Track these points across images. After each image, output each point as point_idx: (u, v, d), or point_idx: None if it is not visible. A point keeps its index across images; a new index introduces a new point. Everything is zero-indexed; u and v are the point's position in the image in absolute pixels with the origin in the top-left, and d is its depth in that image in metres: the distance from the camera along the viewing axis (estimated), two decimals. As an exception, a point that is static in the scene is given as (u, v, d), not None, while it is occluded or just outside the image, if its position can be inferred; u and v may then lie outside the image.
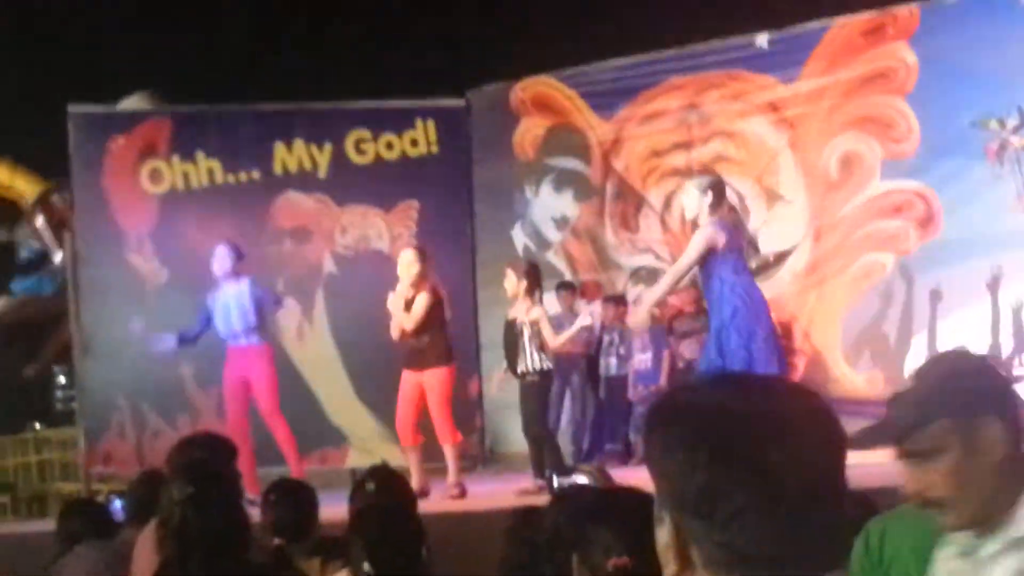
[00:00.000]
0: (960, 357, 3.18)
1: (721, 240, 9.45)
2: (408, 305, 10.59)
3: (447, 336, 10.81)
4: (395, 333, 10.69)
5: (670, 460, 1.73)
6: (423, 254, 10.88)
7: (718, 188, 9.70)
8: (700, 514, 1.69)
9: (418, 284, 10.65)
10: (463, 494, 10.55)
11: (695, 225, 9.76)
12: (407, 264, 10.76)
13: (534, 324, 10.39)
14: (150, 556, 4.80)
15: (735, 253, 9.62)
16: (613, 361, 13.05)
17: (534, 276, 10.61)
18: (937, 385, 2.91)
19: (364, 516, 4.61)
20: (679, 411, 1.77)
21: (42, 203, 15.08)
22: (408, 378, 10.73)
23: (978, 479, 2.79)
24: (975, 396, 2.83)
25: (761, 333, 9.51)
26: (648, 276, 13.32)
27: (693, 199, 9.66)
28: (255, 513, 5.53)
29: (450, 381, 10.79)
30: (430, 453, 10.80)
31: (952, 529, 2.88)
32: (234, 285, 11.18)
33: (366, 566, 3.96)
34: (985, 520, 2.81)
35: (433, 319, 10.66)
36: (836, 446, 1.74)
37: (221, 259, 11.26)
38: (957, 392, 2.84)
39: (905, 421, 2.89)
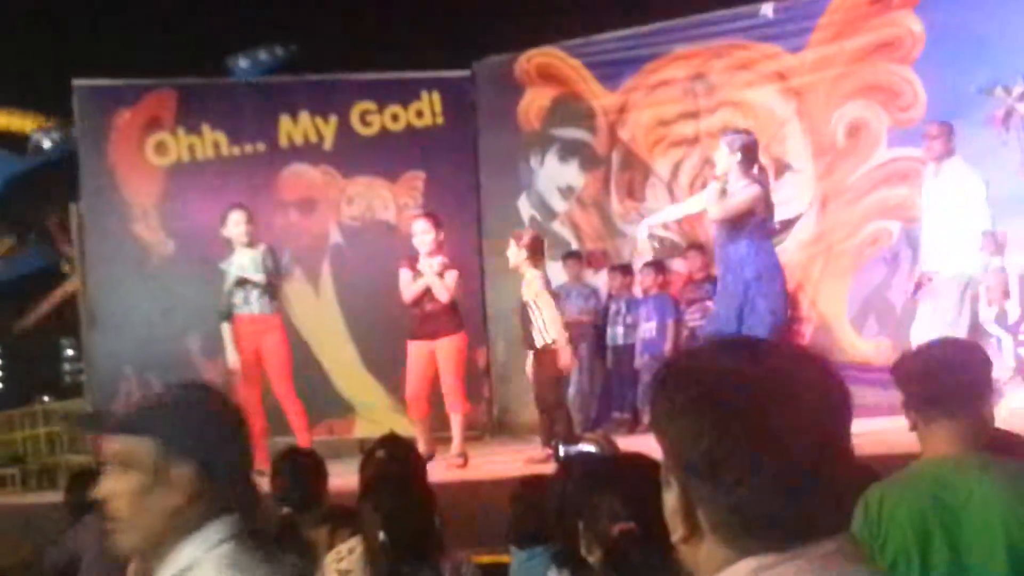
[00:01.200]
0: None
1: (761, 206, 9.47)
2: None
3: (456, 305, 10.81)
4: (411, 296, 10.67)
5: (677, 424, 1.72)
6: (437, 221, 10.87)
7: (750, 148, 9.64)
8: (707, 478, 1.69)
9: (434, 252, 10.66)
10: (465, 464, 10.57)
11: (722, 183, 9.65)
12: (422, 232, 10.76)
13: (536, 303, 10.38)
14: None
15: (769, 217, 9.64)
16: (620, 330, 13.05)
17: (535, 246, 10.56)
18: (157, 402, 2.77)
19: (376, 485, 4.62)
20: (685, 376, 1.76)
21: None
22: (418, 348, 10.70)
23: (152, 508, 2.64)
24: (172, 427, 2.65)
25: (784, 299, 9.54)
26: (655, 244, 13.34)
27: (723, 155, 9.60)
28: (263, 483, 5.54)
29: (463, 349, 10.81)
30: (434, 421, 10.81)
31: (120, 547, 2.76)
32: (248, 252, 11.15)
33: (381, 535, 3.97)
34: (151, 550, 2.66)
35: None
36: (842, 410, 1.74)
37: (236, 224, 11.21)
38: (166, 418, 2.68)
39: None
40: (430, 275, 10.61)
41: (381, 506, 4.13)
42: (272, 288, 11.18)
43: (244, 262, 11.12)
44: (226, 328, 11.18)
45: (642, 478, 2.07)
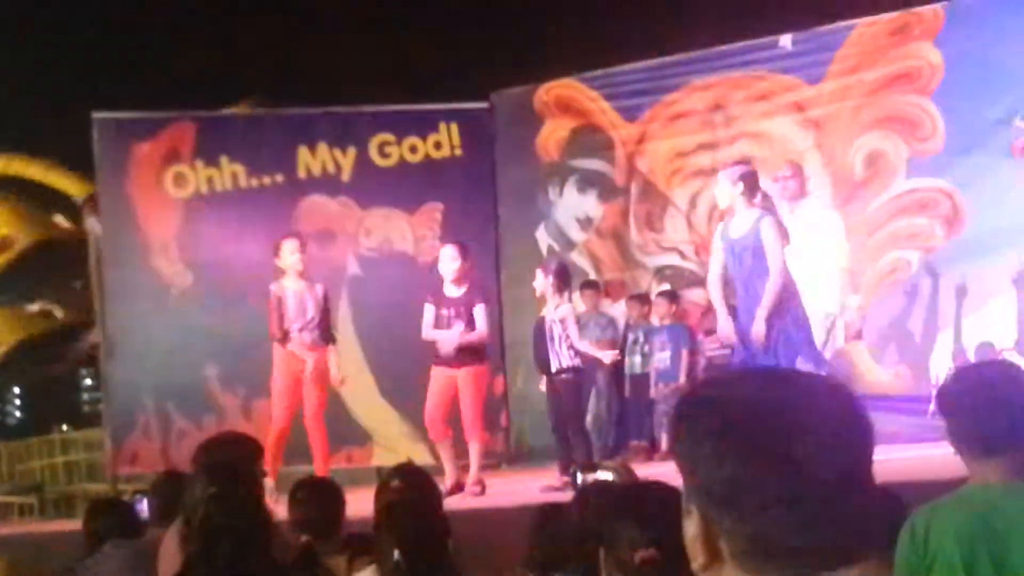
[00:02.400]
0: None
1: (780, 231, 9.44)
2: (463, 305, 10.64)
3: (482, 335, 10.82)
4: (430, 337, 10.71)
5: (698, 452, 1.72)
6: (465, 250, 10.90)
7: (750, 177, 9.62)
8: (728, 506, 1.69)
9: (459, 281, 10.70)
10: (483, 491, 10.59)
11: (723, 216, 9.65)
12: (450, 259, 10.79)
13: (562, 322, 10.43)
14: (175, 554, 4.81)
15: (786, 243, 9.60)
16: (638, 359, 13.09)
17: (562, 275, 10.65)
18: None
19: (392, 511, 4.62)
20: (707, 403, 1.76)
21: (90, 204, 15.18)
22: (440, 373, 10.75)
23: None
24: None
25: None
26: (673, 275, 13.34)
27: (725, 189, 9.57)
28: (280, 510, 5.55)
29: (484, 380, 10.83)
30: (453, 449, 10.83)
31: None
32: (306, 284, 11.16)
33: (396, 555, 3.98)
34: None
35: (471, 320, 10.70)
36: (864, 438, 1.73)
37: (290, 252, 11.20)
38: None
39: None
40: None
41: (396, 533, 4.13)
42: (322, 327, 11.19)
43: (304, 294, 11.11)
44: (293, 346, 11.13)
45: (663, 505, 2.07)
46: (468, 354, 10.70)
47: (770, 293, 9.22)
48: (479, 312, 10.70)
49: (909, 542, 3.70)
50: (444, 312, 10.73)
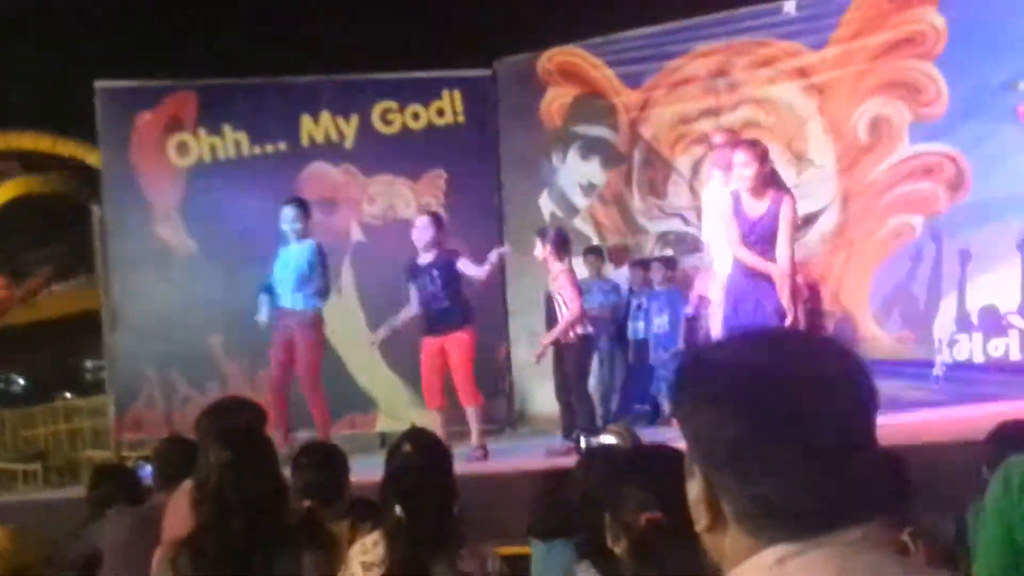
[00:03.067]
0: None
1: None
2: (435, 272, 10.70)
3: (466, 300, 10.85)
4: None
5: (701, 415, 1.73)
6: (438, 220, 10.95)
7: (763, 157, 9.45)
8: (731, 468, 1.69)
9: (428, 248, 10.73)
10: (486, 456, 10.62)
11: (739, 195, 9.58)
12: (421, 227, 10.85)
13: (560, 293, 10.44)
14: (183, 518, 4.81)
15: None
16: (640, 325, 13.11)
17: (558, 241, 10.63)
18: None
19: (397, 475, 4.62)
20: (710, 366, 1.77)
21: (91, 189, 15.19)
22: (430, 343, 10.82)
23: None
24: None
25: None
26: (676, 240, 13.33)
27: (739, 172, 9.37)
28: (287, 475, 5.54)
29: (472, 343, 10.84)
30: (453, 416, 10.85)
31: None
32: (297, 245, 11.19)
33: (398, 511, 3.98)
34: None
35: (451, 283, 10.72)
36: (867, 399, 1.74)
37: (288, 219, 11.23)
38: None
39: None
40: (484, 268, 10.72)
41: (399, 495, 4.13)
42: (313, 284, 11.19)
43: (289, 255, 11.15)
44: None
45: (668, 468, 2.07)
46: (453, 320, 10.75)
47: (782, 265, 9.24)
48: (464, 264, 10.73)
49: (1002, 491, 3.71)
50: (422, 280, 10.79)
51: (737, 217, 9.28)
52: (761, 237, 9.18)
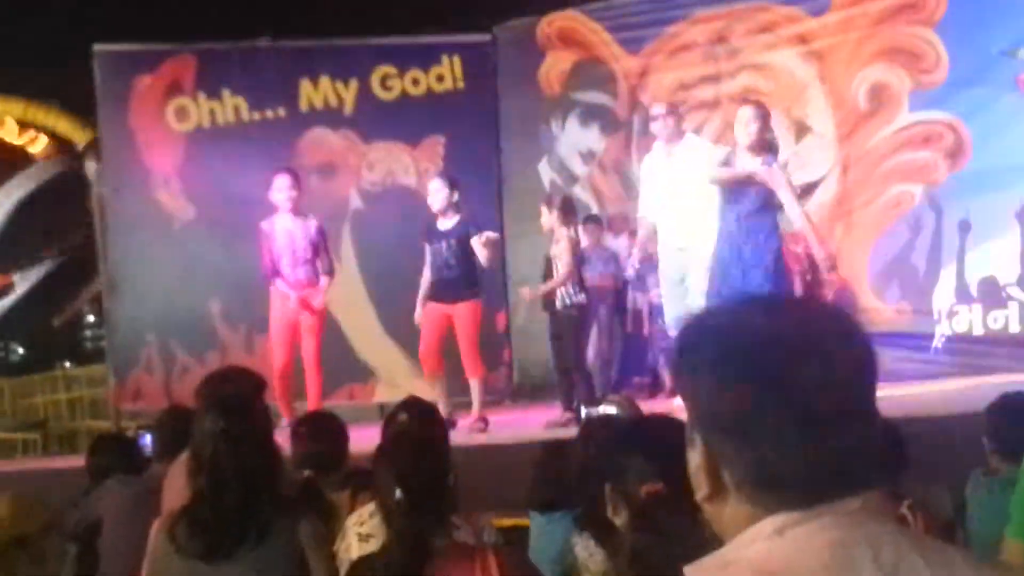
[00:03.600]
0: None
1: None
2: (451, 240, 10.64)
3: (476, 270, 10.79)
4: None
5: (701, 381, 1.73)
6: (453, 182, 10.85)
7: (766, 118, 9.51)
8: (731, 434, 1.69)
9: (447, 211, 10.65)
10: (486, 427, 10.60)
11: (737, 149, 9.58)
12: (435, 191, 10.75)
13: (558, 257, 10.42)
14: (181, 488, 4.81)
15: None
16: (640, 295, 13.06)
17: (565, 209, 10.60)
18: None
19: (391, 444, 4.62)
20: (708, 332, 1.77)
21: (91, 148, 15.14)
22: (433, 309, 10.72)
23: None
24: None
25: None
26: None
27: (742, 125, 9.44)
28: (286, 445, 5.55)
29: (479, 315, 10.80)
30: (454, 387, 10.83)
31: None
32: (295, 219, 11.16)
33: (397, 493, 3.97)
34: None
35: (464, 252, 10.65)
36: (867, 366, 1.73)
37: (279, 189, 11.19)
38: None
39: None
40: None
41: (394, 464, 4.13)
42: (317, 262, 11.21)
43: (294, 230, 11.12)
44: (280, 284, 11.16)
45: (670, 439, 2.07)
46: (462, 288, 10.66)
47: (806, 228, 9.32)
48: (476, 243, 10.63)
49: None
50: (437, 246, 10.71)
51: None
52: (744, 196, 9.26)
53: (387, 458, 4.24)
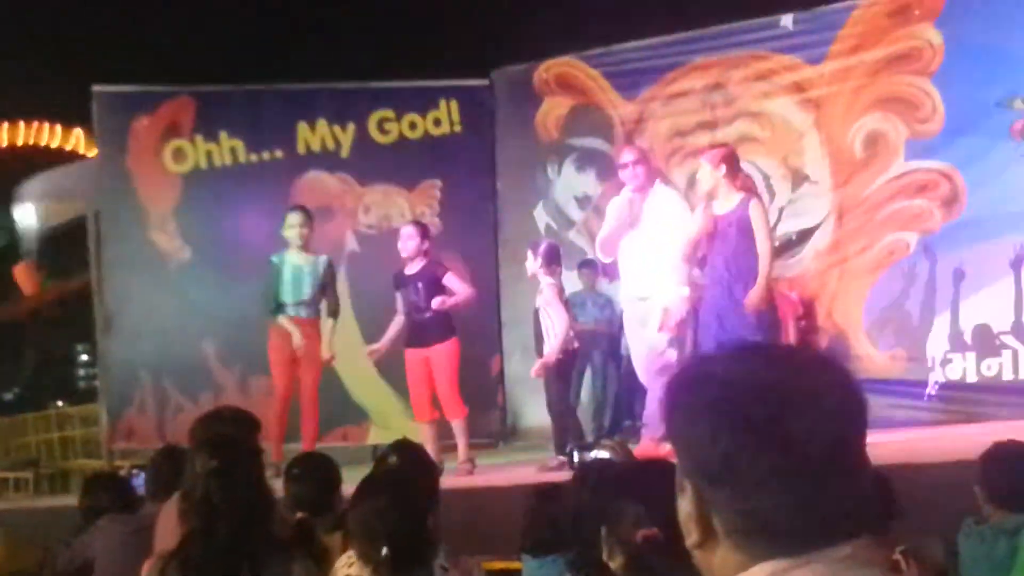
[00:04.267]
0: None
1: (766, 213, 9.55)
2: (420, 283, 10.68)
3: (448, 311, 10.83)
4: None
5: (692, 429, 1.72)
6: (424, 230, 10.94)
7: (731, 158, 9.64)
8: (722, 482, 1.69)
9: (414, 258, 10.72)
10: (473, 470, 10.59)
11: (709, 198, 9.68)
12: (406, 237, 10.83)
13: (547, 307, 10.43)
14: (173, 528, 4.81)
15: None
16: (634, 339, 13.06)
17: (549, 255, 10.60)
18: None
19: (366, 490, 4.60)
20: (701, 380, 1.76)
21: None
22: (413, 355, 10.79)
23: None
24: None
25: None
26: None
27: (707, 172, 9.58)
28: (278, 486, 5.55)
29: (455, 355, 10.82)
30: (444, 430, 10.84)
31: None
32: (306, 257, 11.21)
33: (384, 552, 3.97)
34: None
35: (434, 295, 10.69)
36: (858, 415, 1.73)
37: (291, 225, 11.26)
38: None
39: None
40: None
41: (358, 509, 4.13)
42: (323, 300, 11.28)
43: (302, 267, 11.18)
44: (282, 320, 11.19)
45: (667, 483, 2.07)
46: (437, 331, 10.72)
47: (764, 267, 9.32)
48: (450, 280, 10.70)
49: None
50: (405, 291, 10.79)
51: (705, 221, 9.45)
52: (731, 235, 9.32)
53: (354, 503, 4.25)
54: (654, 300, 9.97)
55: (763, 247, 9.35)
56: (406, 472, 4.94)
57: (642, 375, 10.29)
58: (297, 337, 11.10)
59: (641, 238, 10.11)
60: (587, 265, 13.33)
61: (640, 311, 10.17)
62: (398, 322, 10.93)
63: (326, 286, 11.38)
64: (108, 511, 6.53)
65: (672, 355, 10.07)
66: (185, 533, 4.48)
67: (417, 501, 4.28)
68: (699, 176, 9.70)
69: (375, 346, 11.18)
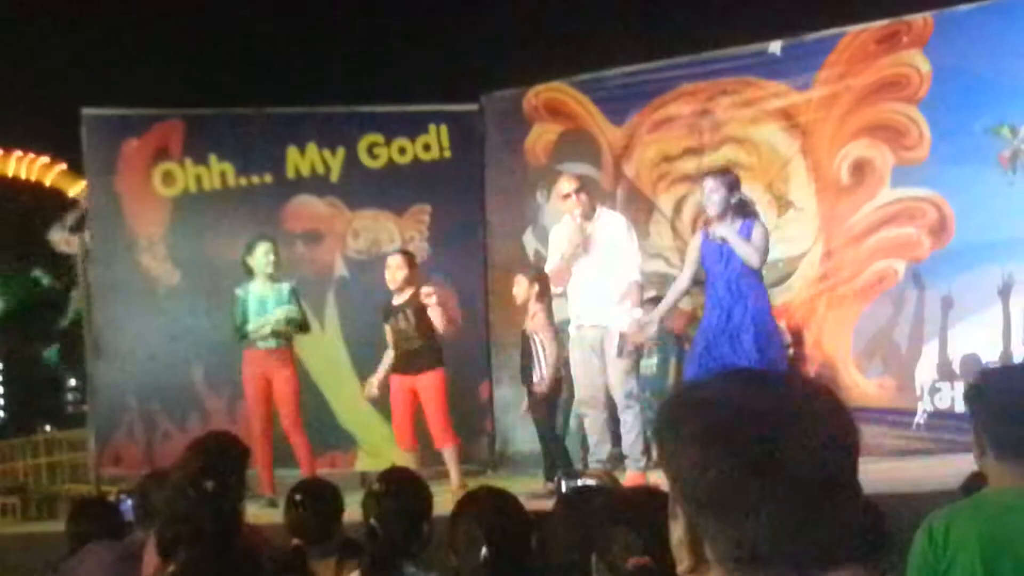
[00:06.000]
0: None
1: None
2: (408, 312, 10.74)
3: (437, 340, 10.86)
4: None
5: (683, 456, 1.73)
6: (410, 259, 11.00)
7: (738, 183, 9.69)
8: (712, 510, 1.70)
9: (403, 288, 10.77)
10: None
11: (707, 222, 9.72)
12: (395, 267, 10.88)
13: (537, 334, 10.45)
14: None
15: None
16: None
17: (544, 282, 10.65)
18: None
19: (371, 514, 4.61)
20: (692, 407, 1.77)
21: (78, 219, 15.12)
22: (399, 383, 10.83)
23: None
24: None
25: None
26: (658, 281, 13.27)
27: (719, 195, 9.55)
28: (275, 513, 5.54)
29: (444, 385, 10.85)
30: (430, 457, 10.85)
31: None
32: (271, 285, 11.27)
33: (483, 551, 4.02)
34: None
35: (423, 324, 10.74)
36: (849, 442, 1.75)
37: (263, 253, 11.31)
38: None
39: None
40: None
41: (479, 522, 4.18)
42: (291, 329, 11.34)
43: (266, 295, 11.22)
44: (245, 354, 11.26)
45: (658, 511, 2.08)
46: (425, 359, 10.76)
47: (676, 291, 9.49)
48: (434, 313, 10.74)
49: (927, 545, 3.73)
50: (395, 320, 10.83)
51: (705, 249, 9.48)
52: (729, 261, 9.35)
53: (468, 516, 4.29)
54: (611, 326, 9.98)
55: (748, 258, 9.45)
56: (404, 500, 4.96)
57: (598, 402, 10.27)
58: (264, 367, 11.23)
59: (592, 264, 10.12)
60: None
61: (593, 337, 10.15)
62: (390, 355, 10.97)
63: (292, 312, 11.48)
64: (96, 537, 6.50)
65: (633, 383, 10.12)
66: (162, 559, 4.46)
67: (516, 509, 4.33)
68: (706, 199, 9.69)
69: (373, 381, 11.18)
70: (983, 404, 3.93)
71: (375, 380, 11.17)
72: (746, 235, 9.42)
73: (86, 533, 6.66)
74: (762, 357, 9.23)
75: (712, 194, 9.53)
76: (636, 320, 9.99)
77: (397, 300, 10.86)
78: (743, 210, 9.57)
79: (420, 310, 10.73)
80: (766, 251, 9.60)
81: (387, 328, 10.95)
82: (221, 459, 4.96)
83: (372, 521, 4.66)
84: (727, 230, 9.45)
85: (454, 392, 11.10)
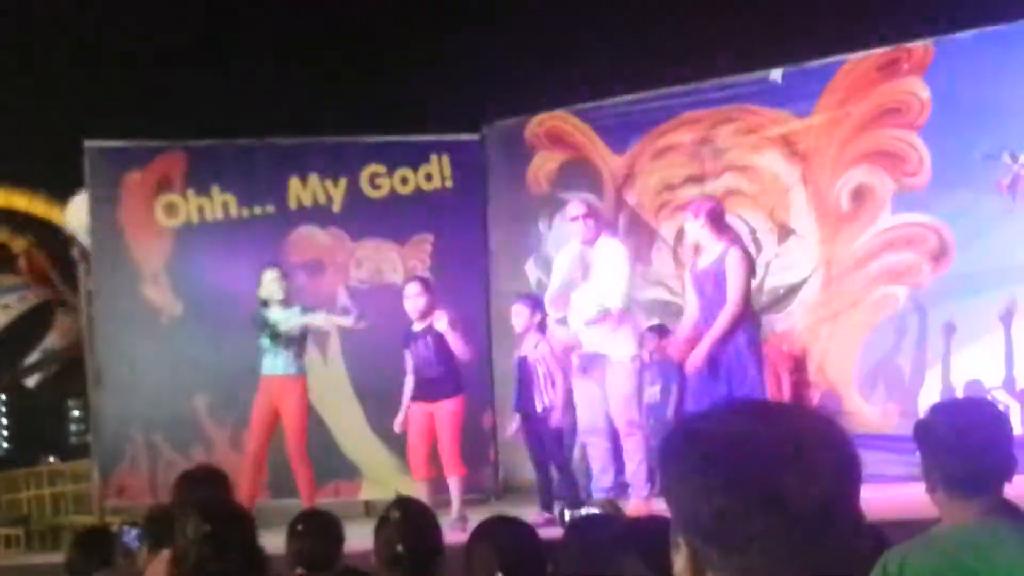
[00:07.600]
0: None
1: (749, 262, 9.57)
2: (428, 339, 10.75)
3: (458, 368, 10.86)
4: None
5: (686, 485, 1.74)
6: (427, 284, 11.00)
7: (714, 212, 9.69)
8: (716, 539, 1.70)
9: (425, 315, 10.77)
10: (466, 526, 10.56)
11: (696, 250, 9.77)
12: (414, 295, 10.88)
13: (543, 360, 10.44)
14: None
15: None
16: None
17: (544, 311, 10.68)
18: None
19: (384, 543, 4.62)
20: (694, 437, 1.78)
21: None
22: (417, 410, 10.80)
23: None
24: None
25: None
26: (660, 309, 13.29)
27: (693, 226, 9.66)
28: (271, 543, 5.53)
29: (460, 412, 10.85)
30: (437, 486, 10.83)
31: None
32: (283, 311, 11.30)
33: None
34: None
35: (443, 350, 10.74)
36: (850, 471, 1.75)
37: (272, 281, 11.40)
38: None
39: None
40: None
41: (493, 543, 4.19)
42: (302, 355, 11.38)
43: (279, 319, 11.28)
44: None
45: (665, 540, 2.09)
46: (445, 386, 10.75)
47: (722, 320, 9.34)
48: (452, 339, 10.74)
49: None
50: (415, 347, 10.82)
51: (692, 273, 9.51)
52: (707, 288, 9.37)
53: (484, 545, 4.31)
54: (610, 354, 9.99)
55: (730, 296, 9.38)
56: (416, 530, 4.97)
57: (600, 430, 10.28)
58: (274, 392, 11.31)
59: (590, 291, 10.13)
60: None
61: (593, 364, 10.16)
62: (411, 383, 10.96)
63: (303, 336, 11.51)
64: (97, 568, 6.50)
65: (633, 412, 10.13)
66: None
67: (531, 538, 4.34)
68: (686, 229, 9.78)
69: (399, 419, 11.14)
70: (932, 440, 3.93)
71: (401, 416, 11.12)
72: (719, 266, 9.42)
73: (87, 563, 6.66)
74: (741, 391, 9.23)
75: (686, 225, 9.68)
76: (633, 348, 10.04)
77: (417, 326, 10.86)
78: (723, 234, 9.59)
79: (439, 336, 10.73)
80: (747, 275, 9.54)
81: (407, 354, 10.94)
82: (219, 497, 4.95)
83: (399, 548, 4.65)
84: (704, 259, 9.53)
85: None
